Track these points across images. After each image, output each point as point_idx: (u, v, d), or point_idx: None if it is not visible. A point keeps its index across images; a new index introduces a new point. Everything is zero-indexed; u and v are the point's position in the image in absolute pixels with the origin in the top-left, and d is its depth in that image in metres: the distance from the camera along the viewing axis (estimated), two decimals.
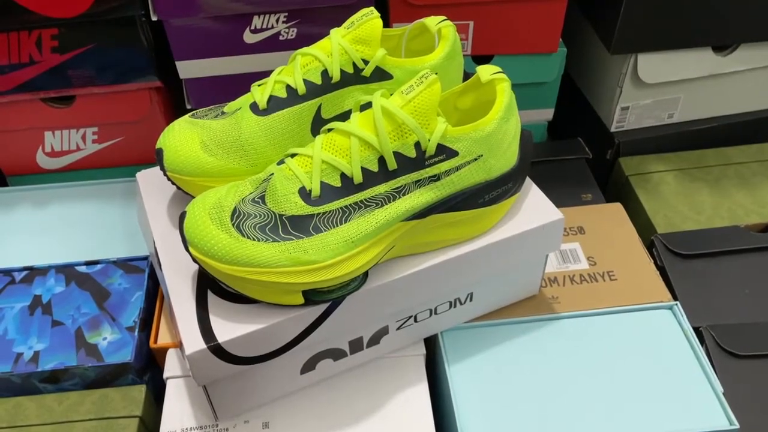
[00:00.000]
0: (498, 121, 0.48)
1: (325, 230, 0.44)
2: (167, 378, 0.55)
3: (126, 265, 0.63)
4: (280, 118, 0.51)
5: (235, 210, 0.45)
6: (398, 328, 0.54)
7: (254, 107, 0.51)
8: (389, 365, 0.56)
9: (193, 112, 0.54)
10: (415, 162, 0.46)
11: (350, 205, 0.45)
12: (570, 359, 0.56)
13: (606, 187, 0.78)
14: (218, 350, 0.45)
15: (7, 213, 0.68)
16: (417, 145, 0.45)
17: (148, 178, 0.58)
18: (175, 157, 0.50)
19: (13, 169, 0.72)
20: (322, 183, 0.45)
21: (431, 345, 0.59)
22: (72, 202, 0.69)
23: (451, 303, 0.55)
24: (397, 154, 0.45)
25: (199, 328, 0.46)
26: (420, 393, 0.54)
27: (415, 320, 0.55)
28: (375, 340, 0.54)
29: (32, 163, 0.71)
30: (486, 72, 0.49)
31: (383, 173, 0.45)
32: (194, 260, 0.45)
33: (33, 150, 0.70)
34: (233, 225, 0.44)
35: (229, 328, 0.46)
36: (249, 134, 0.50)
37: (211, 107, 0.54)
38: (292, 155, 0.47)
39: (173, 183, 0.52)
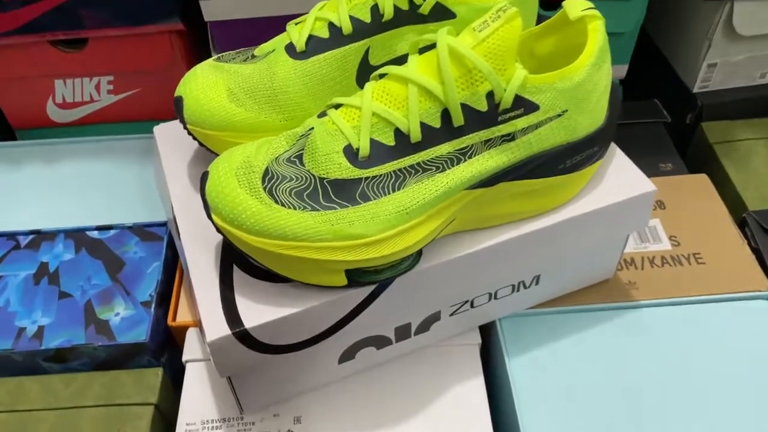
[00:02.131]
0: (589, 69, 0.39)
1: (374, 198, 0.37)
2: (187, 361, 0.49)
3: (143, 231, 0.56)
4: (321, 62, 0.42)
5: (267, 171, 0.37)
6: (452, 314, 0.47)
7: (290, 49, 0.43)
8: (439, 355, 0.49)
9: (219, 55, 0.46)
10: (485, 117, 0.37)
11: (405, 168, 0.37)
12: (648, 355, 0.48)
13: (686, 156, 0.68)
14: (245, 337, 0.38)
15: (14, 170, 0.62)
16: (490, 96, 0.37)
17: (167, 133, 0.50)
18: (197, 108, 0.42)
19: (22, 122, 0.66)
20: (372, 140, 0.37)
21: (487, 333, 0.51)
22: (85, 159, 0.63)
23: (514, 287, 0.48)
24: (464, 107, 0.37)
25: (223, 311, 0.39)
26: (475, 387, 0.47)
27: (472, 305, 0.47)
28: (424, 327, 0.47)
29: (42, 115, 0.65)
30: (575, 7, 0.40)
31: (447, 130, 0.37)
32: (218, 230, 0.38)
33: (43, 100, 0.64)
34: (265, 189, 0.37)
35: (257, 311, 0.38)
36: (284, 81, 0.42)
37: (239, 50, 0.46)
38: (336, 106, 0.39)
39: (194, 138, 0.44)
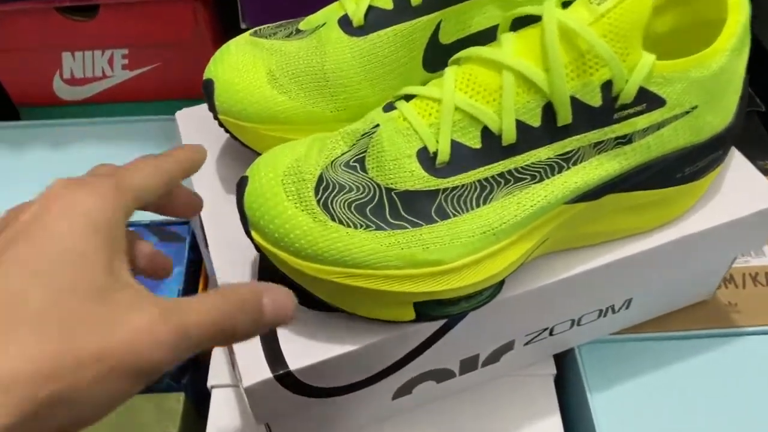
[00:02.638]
0: (729, 54, 0.31)
1: (454, 214, 0.29)
2: (213, 387, 0.42)
3: (162, 230, 0.49)
4: (383, 40, 0.35)
5: (321, 179, 0.30)
6: (527, 343, 0.40)
7: (345, 23, 0.35)
8: (508, 387, 0.42)
9: (257, 29, 0.38)
10: (598, 114, 0.30)
11: (494, 177, 0.30)
12: (752, 390, 0.41)
13: None
14: (289, 380, 0.31)
15: (17, 154, 0.55)
16: (606, 87, 0.29)
17: (192, 120, 0.42)
18: (231, 94, 0.35)
19: (26, 99, 0.58)
20: (453, 142, 0.30)
21: (562, 361, 0.44)
22: (95, 143, 0.56)
23: (601, 311, 0.40)
24: (573, 101, 0.29)
25: (263, 348, 0.32)
26: (550, 424, 0.40)
27: (551, 333, 0.40)
28: (494, 357, 0.40)
29: (48, 92, 0.57)
30: None
31: (548, 130, 0.30)
32: (257, 248, 0.31)
33: (49, 75, 0.56)
34: (318, 202, 0.29)
35: (304, 348, 0.31)
36: (337, 62, 0.35)
37: (280, 23, 0.38)
38: (407, 97, 0.32)
39: (227, 130, 0.37)
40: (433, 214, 0.29)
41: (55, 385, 0.19)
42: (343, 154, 0.31)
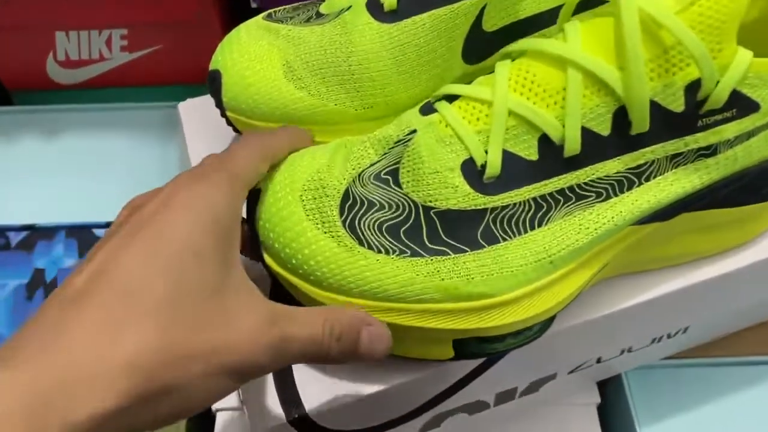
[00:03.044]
0: None
1: (504, 239, 0.25)
2: (217, 410, 0.38)
3: None
4: (419, 27, 0.30)
5: (347, 195, 0.25)
6: (570, 372, 0.35)
7: (374, 6, 0.30)
8: (546, 416, 0.38)
9: (271, 11, 0.33)
10: (680, 121, 0.25)
11: (552, 194, 0.25)
12: None
13: None
14: (306, 424, 0.27)
15: (6, 143, 0.50)
16: (691, 89, 0.24)
17: (196, 113, 0.38)
18: (241, 88, 0.30)
19: (17, 82, 0.54)
20: (505, 153, 0.25)
21: (607, 388, 0.40)
22: (92, 132, 0.51)
23: (655, 338, 0.36)
24: (653, 106, 0.24)
25: (276, 387, 0.27)
26: None
27: (598, 361, 0.35)
28: (533, 388, 0.35)
29: (41, 75, 0.53)
30: None
31: (619, 139, 0.25)
32: (271, 274, 0.26)
33: (41, 57, 0.52)
34: (344, 223, 0.25)
35: (323, 388, 0.27)
36: (364, 53, 0.30)
37: (298, 5, 0.33)
38: (450, 98, 0.27)
39: (236, 130, 0.32)
40: (479, 238, 0.25)
41: (168, 375, 0.20)
42: (372, 165, 0.26)
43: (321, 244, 0.25)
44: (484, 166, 0.25)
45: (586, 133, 0.25)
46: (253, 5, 0.48)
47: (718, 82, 0.24)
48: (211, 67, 0.31)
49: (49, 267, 0.43)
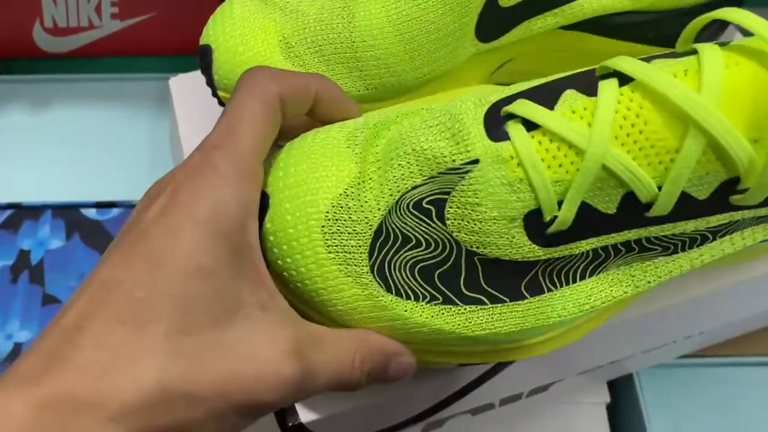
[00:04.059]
0: None
1: (549, 289, 0.22)
2: None
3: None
4: (429, 1, 0.27)
5: (380, 230, 0.21)
6: (581, 372, 0.33)
7: None
8: (553, 415, 0.36)
9: None
10: None
11: (616, 245, 0.22)
12: None
13: None
14: None
15: None
16: None
17: (188, 89, 0.35)
18: (234, 66, 0.28)
19: (2, 50, 0.51)
20: (582, 206, 0.21)
21: (617, 387, 0.38)
22: (81, 104, 0.48)
23: (668, 342, 0.34)
24: None
25: None
26: None
27: (610, 363, 0.33)
28: (541, 388, 0.34)
29: (27, 42, 0.50)
30: None
31: (716, 204, 0.21)
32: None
33: (28, 23, 0.49)
34: (372, 267, 0.21)
35: (320, 398, 0.25)
36: (368, 29, 0.27)
37: None
38: (529, 125, 0.21)
39: None
40: (522, 289, 0.22)
41: (171, 416, 0.18)
42: (415, 188, 0.21)
43: (344, 288, 0.21)
44: (552, 220, 0.21)
45: (681, 197, 0.21)
46: None
47: None
48: (202, 41, 0.29)
49: (35, 248, 0.41)
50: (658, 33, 0.31)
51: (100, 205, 0.43)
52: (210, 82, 0.29)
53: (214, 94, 0.29)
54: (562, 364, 0.31)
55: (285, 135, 0.24)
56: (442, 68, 0.29)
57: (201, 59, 0.28)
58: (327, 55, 0.28)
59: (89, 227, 0.42)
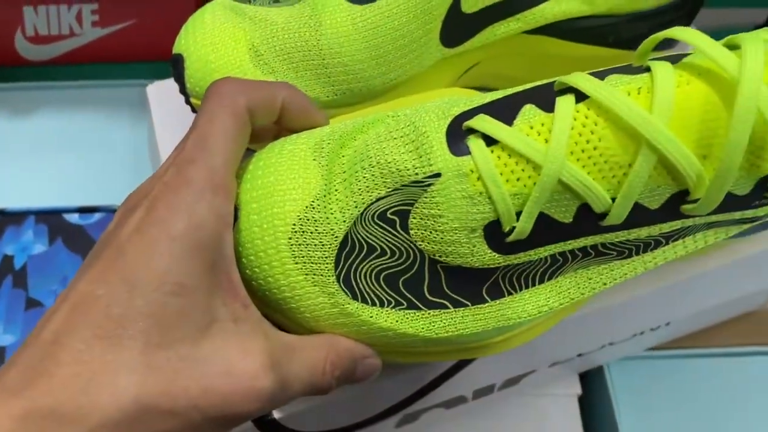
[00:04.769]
0: None
1: (509, 293, 0.23)
2: None
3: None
4: (393, 9, 0.28)
5: (346, 241, 0.22)
6: (551, 365, 0.34)
7: None
8: (526, 407, 0.37)
9: None
10: (739, 202, 0.22)
11: (573, 251, 0.23)
12: None
13: None
14: (273, 428, 0.26)
15: None
16: (765, 179, 0.22)
17: (166, 96, 0.36)
18: (205, 73, 0.29)
19: None
20: (540, 217, 0.22)
21: (588, 379, 0.39)
22: (63, 110, 0.49)
23: (636, 333, 0.35)
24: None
25: None
26: None
27: (579, 356, 0.35)
28: (513, 381, 0.35)
29: (10, 51, 0.51)
30: None
31: (668, 213, 0.22)
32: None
33: (9, 32, 0.50)
34: (338, 277, 0.22)
35: None
36: (335, 37, 0.28)
37: None
38: (489, 140, 0.21)
39: None
40: (483, 293, 0.22)
41: (148, 429, 0.18)
42: (379, 200, 0.22)
43: (310, 296, 0.22)
44: (511, 230, 0.21)
45: (635, 207, 0.21)
46: None
47: None
48: (174, 50, 0.30)
49: (18, 254, 0.42)
50: (617, 36, 0.32)
51: (83, 210, 0.43)
52: (183, 90, 0.29)
53: (187, 102, 0.30)
54: (531, 357, 0.32)
55: (254, 141, 0.24)
56: (409, 73, 0.30)
57: (174, 68, 0.29)
58: (295, 62, 0.28)
59: (72, 232, 0.43)
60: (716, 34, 0.23)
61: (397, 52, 0.29)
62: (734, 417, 0.37)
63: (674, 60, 0.21)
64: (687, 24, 0.35)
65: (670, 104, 0.20)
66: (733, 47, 0.20)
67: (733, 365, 0.38)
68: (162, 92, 0.36)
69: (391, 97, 0.31)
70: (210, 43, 0.29)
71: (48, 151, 0.47)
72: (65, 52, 0.50)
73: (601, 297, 0.28)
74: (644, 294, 0.29)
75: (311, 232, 0.22)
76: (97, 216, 0.43)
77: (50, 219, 0.43)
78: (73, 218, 0.43)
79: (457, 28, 0.30)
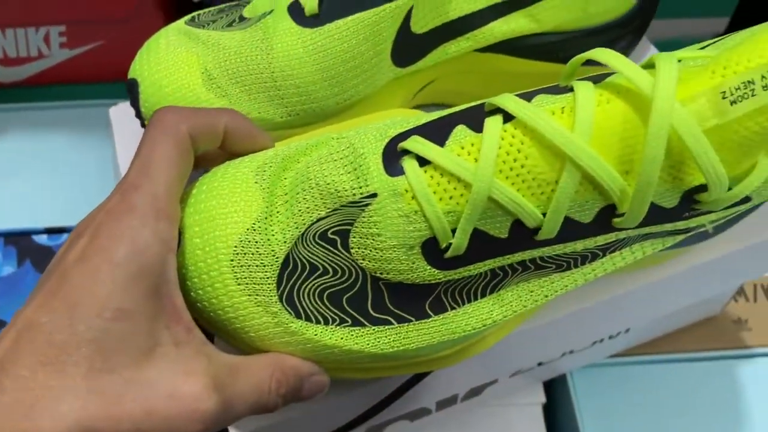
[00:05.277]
0: None
1: (452, 307, 0.23)
2: None
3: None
4: (343, 31, 0.29)
5: (287, 261, 0.22)
6: (513, 375, 0.35)
7: (296, 11, 0.29)
8: (491, 417, 0.38)
9: (194, 14, 0.32)
10: (668, 214, 0.23)
11: (513, 264, 0.23)
12: (759, 417, 0.37)
13: None
14: None
15: None
16: (692, 191, 0.22)
17: (127, 118, 0.37)
18: (159, 98, 0.29)
19: None
20: (475, 232, 0.22)
21: (553, 388, 0.39)
22: (31, 131, 0.49)
23: (596, 341, 0.35)
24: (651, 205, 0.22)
25: None
26: None
27: (539, 364, 0.35)
28: (476, 392, 0.35)
29: None
30: None
31: (599, 226, 0.23)
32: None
33: None
34: (281, 296, 0.22)
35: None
36: (286, 59, 0.29)
37: (222, 7, 0.32)
38: (422, 160, 0.22)
39: None
40: (427, 308, 0.23)
41: None
42: (320, 220, 0.22)
43: (254, 317, 0.22)
44: (448, 247, 0.22)
45: (567, 221, 0.22)
46: (196, 0, 0.46)
47: (729, 189, 0.22)
48: (129, 75, 0.30)
49: None
50: (566, 52, 0.33)
51: (51, 231, 0.44)
52: (138, 115, 0.30)
53: (143, 126, 0.30)
54: (491, 367, 0.33)
55: (204, 165, 0.25)
56: (362, 93, 0.31)
57: (129, 93, 0.30)
58: (248, 85, 0.29)
59: (40, 253, 0.43)
60: (676, 44, 0.24)
61: (349, 73, 0.30)
62: (696, 420, 0.38)
63: (597, 80, 0.22)
64: (637, 39, 0.36)
65: (591, 123, 0.21)
66: (651, 66, 0.21)
67: (694, 370, 0.39)
68: (124, 114, 0.37)
69: (346, 116, 0.31)
70: (164, 68, 0.29)
71: (17, 172, 0.47)
72: (34, 73, 0.51)
73: (559, 306, 0.29)
74: (602, 302, 0.30)
75: (253, 254, 0.22)
76: (65, 236, 0.44)
77: (19, 240, 0.43)
78: (42, 239, 0.43)
79: (408, 48, 0.31)
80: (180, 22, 0.31)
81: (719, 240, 0.30)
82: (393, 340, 0.23)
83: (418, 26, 0.30)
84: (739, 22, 0.54)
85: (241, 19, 0.30)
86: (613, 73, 0.22)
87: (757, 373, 0.38)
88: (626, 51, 0.35)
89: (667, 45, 0.32)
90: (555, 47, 0.33)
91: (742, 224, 0.30)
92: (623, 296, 0.30)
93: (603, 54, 0.21)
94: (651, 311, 0.34)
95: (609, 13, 0.33)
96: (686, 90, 0.20)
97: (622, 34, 0.34)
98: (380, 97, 0.32)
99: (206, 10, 0.32)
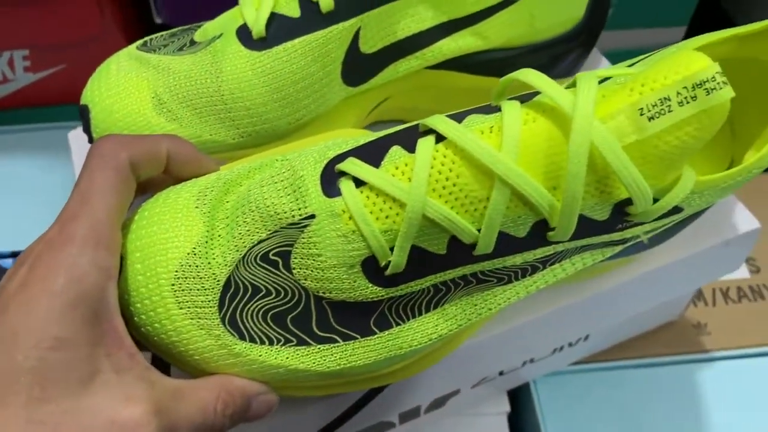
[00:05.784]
0: None
1: (397, 323, 0.24)
2: None
3: None
4: (290, 54, 0.29)
5: (228, 283, 0.23)
6: (475, 386, 0.35)
7: (244, 34, 0.30)
8: (455, 428, 0.38)
9: (146, 39, 0.32)
10: (601, 227, 0.24)
11: (454, 279, 0.24)
12: (721, 420, 0.37)
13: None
14: None
15: None
16: (621, 204, 0.23)
17: (87, 141, 0.37)
18: (109, 123, 0.29)
19: None
20: (414, 250, 0.23)
21: (517, 397, 0.40)
22: None
23: (556, 349, 0.36)
24: (580, 217, 0.23)
25: None
26: None
27: (501, 374, 0.36)
28: (438, 404, 0.35)
29: None
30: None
31: (535, 240, 0.23)
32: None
33: None
34: (223, 319, 0.23)
35: None
36: (236, 82, 0.29)
37: (174, 31, 0.33)
38: (358, 182, 0.23)
39: None
40: (371, 325, 0.23)
41: None
42: (261, 242, 0.23)
43: (197, 340, 0.22)
44: (387, 264, 0.22)
45: (502, 236, 0.23)
46: (158, 21, 0.47)
47: (655, 201, 0.22)
48: (81, 101, 0.30)
49: None
50: (516, 68, 0.33)
51: (16, 255, 0.44)
52: (90, 140, 0.30)
53: None
54: (451, 377, 0.33)
55: (151, 191, 0.25)
56: (315, 113, 0.31)
57: (81, 118, 0.30)
58: (199, 108, 0.29)
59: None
60: (629, 55, 0.24)
61: (299, 93, 0.30)
62: (658, 425, 0.38)
63: (525, 99, 0.23)
64: (586, 52, 0.36)
65: (517, 141, 0.21)
66: (574, 86, 0.22)
67: (656, 374, 0.39)
68: (83, 137, 0.37)
69: (301, 136, 0.32)
70: (114, 93, 0.29)
71: None
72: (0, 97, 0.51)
73: (515, 315, 0.30)
74: (557, 309, 0.30)
75: (194, 278, 0.22)
76: None
77: None
78: (7, 263, 0.43)
79: (358, 68, 0.31)
80: (132, 47, 0.32)
81: (667, 247, 0.31)
82: (339, 358, 0.23)
83: (367, 46, 0.31)
84: (695, 32, 0.55)
85: (192, 43, 0.31)
86: (536, 94, 0.23)
87: (716, 376, 0.39)
88: (576, 64, 0.36)
89: (619, 56, 0.33)
90: (504, 63, 0.34)
91: (689, 231, 0.31)
92: (578, 304, 0.31)
93: (527, 75, 0.22)
94: (607, 318, 0.34)
95: (556, 29, 0.34)
96: (607, 107, 0.21)
97: (570, 48, 0.35)
98: (333, 116, 0.32)
99: (158, 34, 0.33)
